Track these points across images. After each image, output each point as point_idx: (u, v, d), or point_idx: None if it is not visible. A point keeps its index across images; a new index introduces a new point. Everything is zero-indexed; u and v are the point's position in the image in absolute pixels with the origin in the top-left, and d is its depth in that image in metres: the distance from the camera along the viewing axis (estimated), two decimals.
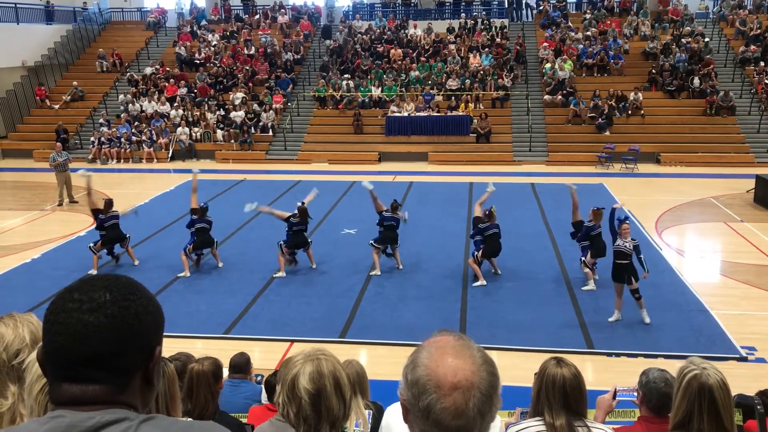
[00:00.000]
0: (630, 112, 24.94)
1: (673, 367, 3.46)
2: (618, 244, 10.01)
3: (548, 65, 26.90)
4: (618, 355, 9.26)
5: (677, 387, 2.97)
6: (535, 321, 10.39)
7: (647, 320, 10.14)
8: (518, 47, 28.23)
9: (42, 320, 2.28)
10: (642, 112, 24.92)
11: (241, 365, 5.94)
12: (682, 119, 24.80)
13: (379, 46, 29.35)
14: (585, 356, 9.13)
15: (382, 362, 8.75)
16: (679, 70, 26.09)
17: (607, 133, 24.43)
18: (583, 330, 10.03)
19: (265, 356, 9.27)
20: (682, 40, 27.51)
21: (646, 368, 3.74)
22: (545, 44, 28.26)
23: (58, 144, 19.86)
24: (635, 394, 3.75)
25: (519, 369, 7.46)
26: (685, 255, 14.06)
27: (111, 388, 1.41)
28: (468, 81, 26.64)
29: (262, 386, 5.63)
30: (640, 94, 25.17)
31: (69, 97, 28.19)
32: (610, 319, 10.23)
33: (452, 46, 28.71)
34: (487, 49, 28.16)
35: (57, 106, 28.07)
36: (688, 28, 28.43)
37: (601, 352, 9.33)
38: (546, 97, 26.00)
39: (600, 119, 24.62)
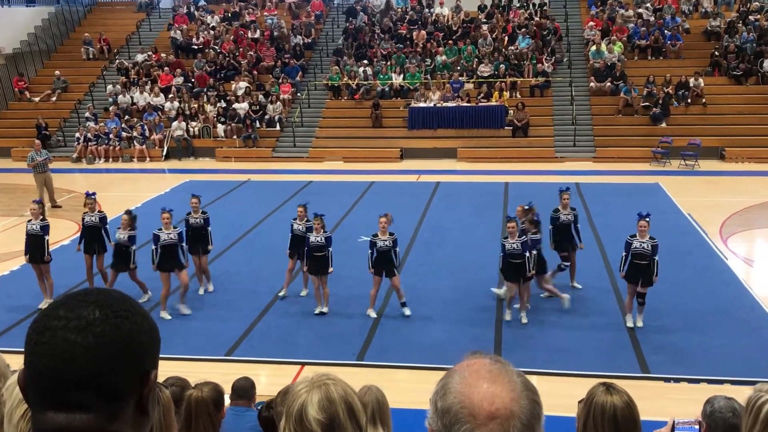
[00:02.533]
0: (689, 100, 24.73)
1: (741, 394, 3.42)
2: (636, 246, 10.32)
3: (594, 48, 26.77)
4: (677, 380, 9.19)
5: (751, 419, 2.93)
6: (580, 341, 10.34)
7: (639, 324, 10.55)
8: (547, 24, 28.08)
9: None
10: (703, 100, 24.71)
11: (245, 390, 5.96)
12: (750, 108, 24.53)
13: (401, 27, 29.40)
14: (639, 382, 9.06)
15: (406, 388, 8.73)
16: (746, 51, 25.83)
17: (663, 125, 24.25)
18: (636, 351, 9.96)
19: (272, 381, 9.29)
20: (750, 17, 27.25)
21: (711, 396, 3.71)
22: (591, 23, 28.11)
23: (38, 141, 20.09)
24: (697, 427, 3.71)
25: (562, 396, 7.38)
26: (755, 265, 13.91)
27: (100, 416, 1.41)
28: (502, 66, 26.58)
29: None
30: (701, 80, 24.95)
31: (55, 97, 28.37)
32: (629, 324, 10.60)
33: (484, 27, 28.67)
34: (524, 30, 28.07)
35: (38, 99, 28.41)
36: (757, 3, 28.15)
37: (658, 377, 9.28)
38: (592, 84, 25.87)
39: (655, 109, 24.45)
